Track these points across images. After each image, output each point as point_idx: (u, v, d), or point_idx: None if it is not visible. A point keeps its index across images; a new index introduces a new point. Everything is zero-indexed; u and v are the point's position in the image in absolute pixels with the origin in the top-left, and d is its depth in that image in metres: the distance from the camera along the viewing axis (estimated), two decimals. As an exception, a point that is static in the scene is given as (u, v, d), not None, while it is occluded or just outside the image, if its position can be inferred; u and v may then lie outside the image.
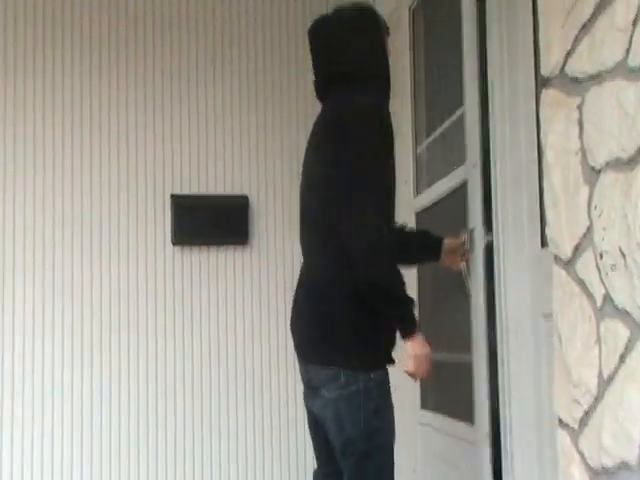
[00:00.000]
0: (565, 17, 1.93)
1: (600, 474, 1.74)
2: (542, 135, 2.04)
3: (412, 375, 2.37)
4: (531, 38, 2.32)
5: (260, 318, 3.91)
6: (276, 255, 3.94)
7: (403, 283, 2.30)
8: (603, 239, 1.72)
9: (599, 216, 1.74)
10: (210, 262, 3.89)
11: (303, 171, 2.51)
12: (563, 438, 1.91)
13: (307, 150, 2.52)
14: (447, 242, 2.71)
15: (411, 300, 2.32)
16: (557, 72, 1.97)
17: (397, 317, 2.32)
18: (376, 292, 2.28)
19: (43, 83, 3.76)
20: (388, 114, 2.38)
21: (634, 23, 1.63)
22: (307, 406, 2.52)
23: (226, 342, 3.88)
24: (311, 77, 2.44)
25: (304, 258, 2.53)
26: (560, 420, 1.92)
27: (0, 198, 3.69)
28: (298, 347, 2.51)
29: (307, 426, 2.57)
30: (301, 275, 2.53)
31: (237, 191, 3.95)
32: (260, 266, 3.93)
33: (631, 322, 1.61)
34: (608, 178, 1.71)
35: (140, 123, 3.85)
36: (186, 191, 3.88)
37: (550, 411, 2.01)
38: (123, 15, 3.85)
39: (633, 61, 1.62)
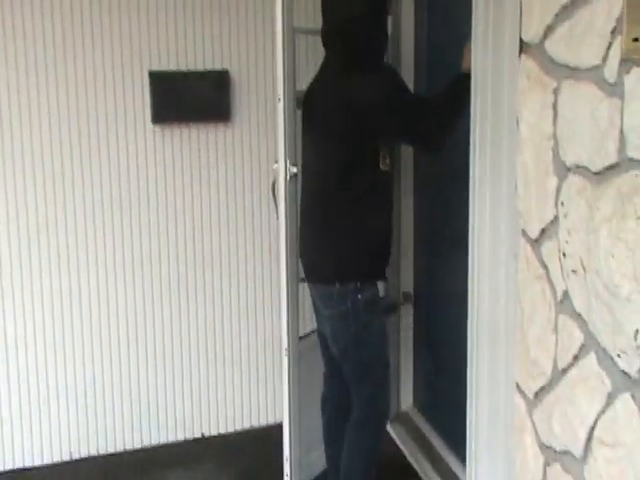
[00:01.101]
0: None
1: (548, 449, 1.88)
2: (517, 105, 1.98)
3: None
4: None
5: (243, 196, 3.93)
6: (259, 131, 3.91)
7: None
8: (567, 242, 1.74)
9: (565, 216, 1.76)
10: (192, 139, 3.86)
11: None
12: (519, 403, 2.03)
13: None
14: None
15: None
16: (537, 42, 1.89)
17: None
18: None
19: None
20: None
21: (612, 33, 1.56)
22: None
23: (209, 220, 3.92)
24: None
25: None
26: (517, 385, 2.04)
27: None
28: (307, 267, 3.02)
29: None
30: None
31: (217, 65, 3.83)
32: (243, 142, 3.91)
33: (586, 330, 1.68)
34: (576, 183, 1.71)
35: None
36: (164, 67, 3.76)
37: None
38: None
39: (609, 75, 1.57)
